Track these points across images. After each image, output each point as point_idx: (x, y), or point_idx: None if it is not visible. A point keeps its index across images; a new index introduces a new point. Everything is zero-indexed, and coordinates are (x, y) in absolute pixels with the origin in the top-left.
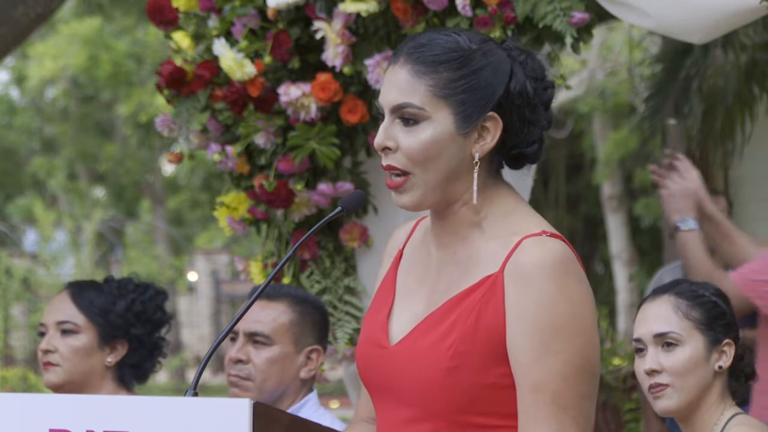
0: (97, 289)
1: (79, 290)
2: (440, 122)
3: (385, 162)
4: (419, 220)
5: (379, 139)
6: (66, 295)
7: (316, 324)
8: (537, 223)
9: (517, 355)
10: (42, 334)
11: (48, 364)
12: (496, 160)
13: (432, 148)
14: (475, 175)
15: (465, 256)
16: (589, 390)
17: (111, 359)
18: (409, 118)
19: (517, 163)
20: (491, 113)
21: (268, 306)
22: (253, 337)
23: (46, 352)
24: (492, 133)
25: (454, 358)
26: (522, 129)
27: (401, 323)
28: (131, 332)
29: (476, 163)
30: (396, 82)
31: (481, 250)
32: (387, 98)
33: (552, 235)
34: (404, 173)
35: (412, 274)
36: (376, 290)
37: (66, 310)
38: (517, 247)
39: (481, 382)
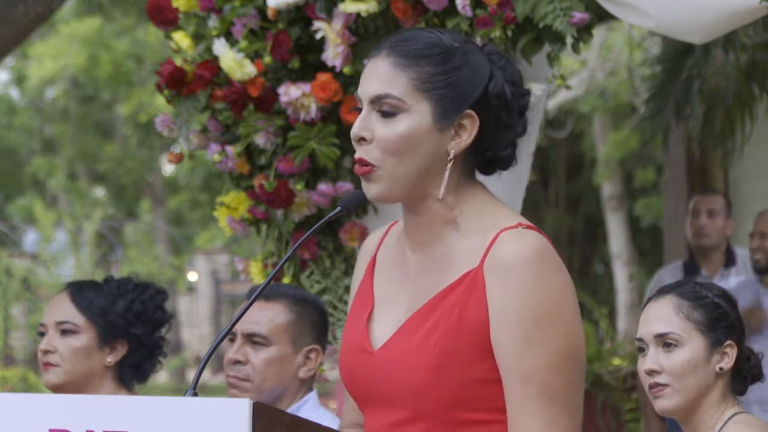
0: (97, 289)
1: (78, 290)
2: (418, 115)
3: (358, 154)
4: (391, 225)
5: (356, 129)
6: (65, 295)
7: (314, 324)
8: (512, 217)
9: (502, 348)
10: (42, 334)
11: (48, 364)
12: (470, 160)
13: (408, 140)
14: (447, 170)
15: (441, 255)
16: (577, 379)
17: (111, 359)
18: (387, 109)
19: (489, 168)
20: (469, 111)
21: (265, 306)
22: (251, 338)
23: (46, 352)
24: (468, 131)
25: (439, 356)
26: (497, 131)
27: (383, 328)
28: (131, 332)
29: (450, 159)
30: (377, 74)
31: (457, 248)
32: (367, 89)
33: (528, 227)
34: (370, 165)
35: (389, 279)
36: (351, 300)
37: (65, 310)
38: (494, 241)
39: (469, 377)
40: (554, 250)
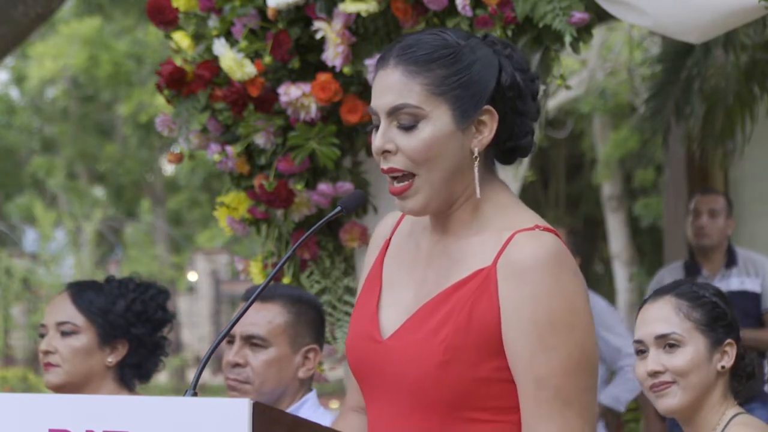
0: (97, 289)
1: (78, 291)
2: (438, 119)
3: (386, 165)
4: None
5: (379, 142)
6: (66, 296)
7: (311, 323)
8: (529, 217)
9: (516, 351)
10: (42, 335)
11: (48, 364)
12: (490, 155)
13: (433, 146)
14: (476, 169)
15: (455, 249)
16: (590, 383)
17: (111, 359)
18: (407, 119)
19: (509, 157)
20: (486, 106)
21: (263, 308)
22: (250, 340)
23: (47, 352)
24: (489, 127)
25: (446, 352)
26: (515, 121)
27: (391, 315)
28: (132, 332)
29: (476, 157)
30: (390, 85)
31: (471, 243)
32: (382, 102)
33: (545, 229)
34: (408, 175)
35: (399, 265)
36: (361, 283)
37: (66, 310)
38: (509, 241)
39: (474, 376)
40: (569, 253)
